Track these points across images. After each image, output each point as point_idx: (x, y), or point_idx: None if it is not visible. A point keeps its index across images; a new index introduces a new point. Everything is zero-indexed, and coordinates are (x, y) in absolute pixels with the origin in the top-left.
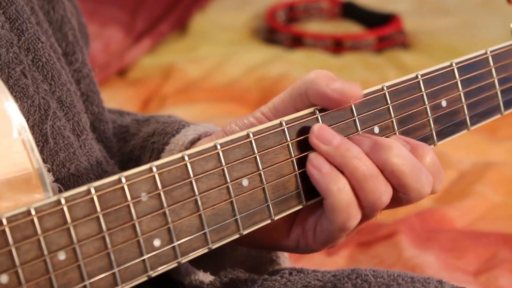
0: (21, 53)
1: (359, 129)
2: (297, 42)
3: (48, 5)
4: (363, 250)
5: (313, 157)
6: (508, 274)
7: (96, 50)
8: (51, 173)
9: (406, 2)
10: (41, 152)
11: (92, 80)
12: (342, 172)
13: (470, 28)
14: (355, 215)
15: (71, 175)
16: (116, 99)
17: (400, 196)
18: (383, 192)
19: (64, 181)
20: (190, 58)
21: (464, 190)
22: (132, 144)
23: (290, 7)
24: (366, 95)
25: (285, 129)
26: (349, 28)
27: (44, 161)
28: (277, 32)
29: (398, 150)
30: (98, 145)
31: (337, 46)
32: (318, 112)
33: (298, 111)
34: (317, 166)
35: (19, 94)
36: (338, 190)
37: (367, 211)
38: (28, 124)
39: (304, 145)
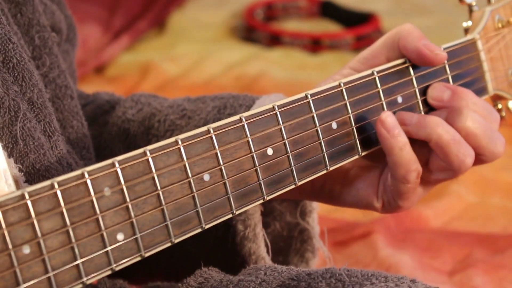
0: None
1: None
2: (275, 40)
3: (15, 8)
4: (338, 250)
5: (386, 119)
6: (483, 274)
7: None
8: (22, 174)
9: (384, 1)
10: (11, 153)
11: (60, 85)
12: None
13: (448, 28)
14: (415, 169)
15: (41, 176)
16: None
17: (477, 157)
18: (467, 155)
19: (35, 182)
20: (168, 56)
21: (440, 190)
22: (201, 118)
23: (268, 5)
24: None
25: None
26: (327, 27)
27: (14, 162)
28: (256, 30)
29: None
30: (67, 146)
31: (315, 45)
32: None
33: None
34: (389, 128)
35: None
36: (400, 149)
37: (453, 172)
38: None
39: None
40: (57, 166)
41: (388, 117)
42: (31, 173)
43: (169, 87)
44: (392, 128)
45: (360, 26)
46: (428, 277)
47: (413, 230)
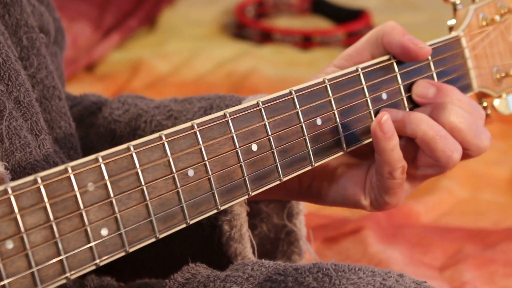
0: None
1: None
2: (266, 37)
3: (3, 9)
4: (329, 246)
5: (386, 122)
6: (473, 269)
7: None
8: (8, 172)
9: None
10: None
11: (48, 86)
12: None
13: (439, 24)
14: (401, 165)
15: (27, 174)
16: None
17: (463, 151)
18: (453, 150)
19: None
20: (158, 53)
21: (431, 185)
22: (187, 118)
23: (259, 2)
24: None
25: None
26: (318, 24)
27: (0, 160)
28: (246, 27)
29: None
30: (54, 146)
31: (306, 41)
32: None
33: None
34: (386, 131)
35: None
36: (391, 150)
37: (440, 168)
38: None
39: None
40: (44, 165)
41: (387, 121)
42: (17, 171)
43: (160, 84)
44: (388, 131)
45: (351, 22)
46: (419, 273)
47: (403, 225)
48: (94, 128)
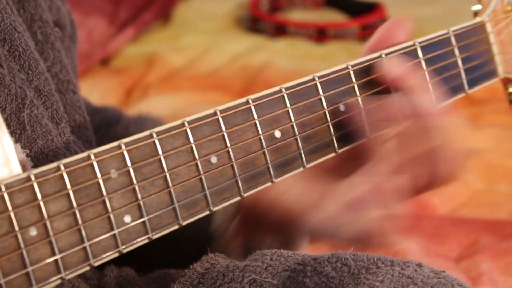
0: None
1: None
2: (280, 30)
3: (18, 3)
4: None
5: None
6: (490, 260)
7: (79, 39)
8: (29, 159)
9: None
10: (19, 140)
11: (62, 79)
12: None
13: (454, 17)
14: None
15: (49, 161)
16: (100, 88)
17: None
18: None
19: None
20: (173, 47)
21: None
22: None
23: None
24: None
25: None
26: (333, 17)
27: (22, 148)
28: (261, 21)
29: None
30: (72, 136)
31: (321, 34)
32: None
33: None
34: None
35: None
36: None
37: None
38: (5, 112)
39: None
40: (65, 152)
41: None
42: (39, 158)
43: (174, 78)
44: None
45: (366, 15)
46: (435, 264)
47: (419, 217)
48: (108, 138)
